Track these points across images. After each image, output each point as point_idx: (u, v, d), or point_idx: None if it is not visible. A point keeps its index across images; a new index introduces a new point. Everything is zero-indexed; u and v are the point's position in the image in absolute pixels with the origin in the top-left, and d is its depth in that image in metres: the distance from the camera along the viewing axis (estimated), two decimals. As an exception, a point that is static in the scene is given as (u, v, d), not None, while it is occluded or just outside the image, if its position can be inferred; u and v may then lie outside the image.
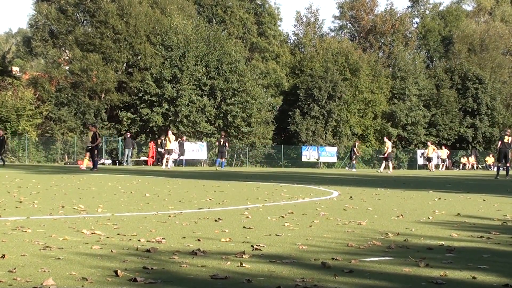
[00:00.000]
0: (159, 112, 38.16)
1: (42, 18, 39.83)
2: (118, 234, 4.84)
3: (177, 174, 20.83)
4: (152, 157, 36.79)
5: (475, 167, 49.71)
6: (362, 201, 9.10)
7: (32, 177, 15.27)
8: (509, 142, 22.16)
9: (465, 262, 3.84)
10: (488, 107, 53.49)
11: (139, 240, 4.50)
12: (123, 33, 38.48)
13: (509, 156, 22.27)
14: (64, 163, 35.46)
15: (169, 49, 39.34)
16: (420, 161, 48.95)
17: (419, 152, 49.54)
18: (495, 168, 28.69)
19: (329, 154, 45.81)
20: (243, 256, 3.87)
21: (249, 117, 41.28)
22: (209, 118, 39.91)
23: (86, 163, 24.21)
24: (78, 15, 41.02)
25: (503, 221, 6.43)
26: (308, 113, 45.72)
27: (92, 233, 4.81)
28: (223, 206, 7.70)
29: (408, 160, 50.49)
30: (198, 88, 39.37)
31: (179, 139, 34.87)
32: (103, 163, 34.44)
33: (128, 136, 34.91)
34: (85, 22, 41.54)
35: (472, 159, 50.36)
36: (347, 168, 39.44)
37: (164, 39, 39.70)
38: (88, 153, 24.21)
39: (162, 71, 38.29)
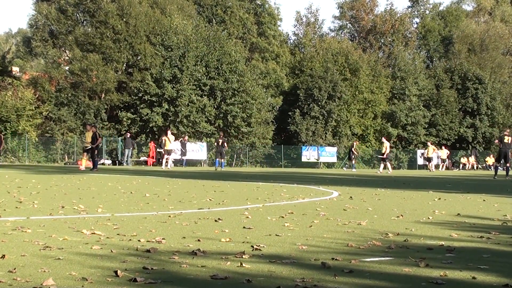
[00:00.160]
0: (159, 112, 38.15)
1: (42, 18, 39.82)
2: (118, 234, 4.83)
3: (177, 174, 20.82)
4: (152, 157, 36.79)
5: (475, 167, 49.70)
6: (362, 201, 9.09)
7: (32, 177, 15.27)
8: (509, 142, 22.18)
9: (465, 262, 3.84)
10: (488, 107, 53.49)
11: (139, 240, 4.50)
12: (123, 33, 38.48)
13: (509, 156, 22.29)
14: (64, 163, 35.46)
15: (169, 49, 39.33)
16: (420, 161, 48.96)
17: (419, 152, 49.54)
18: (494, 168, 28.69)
19: (329, 154, 45.80)
20: (243, 256, 3.87)
21: (249, 117, 41.29)
22: (209, 118, 39.89)
23: (84, 163, 24.19)
24: (78, 15, 41.02)
25: (503, 221, 6.43)
26: (308, 113, 45.71)
27: (92, 233, 4.81)
28: (223, 206, 7.70)
29: (408, 160, 50.48)
30: (198, 88, 39.37)
31: (181, 139, 34.88)
32: (103, 163, 34.43)
33: (128, 136, 34.91)
34: (85, 22, 41.52)
35: (472, 159, 50.36)
36: (344, 169, 39.42)
37: (164, 39, 39.68)
38: (85, 154, 24.21)
39: (162, 71, 38.28)
